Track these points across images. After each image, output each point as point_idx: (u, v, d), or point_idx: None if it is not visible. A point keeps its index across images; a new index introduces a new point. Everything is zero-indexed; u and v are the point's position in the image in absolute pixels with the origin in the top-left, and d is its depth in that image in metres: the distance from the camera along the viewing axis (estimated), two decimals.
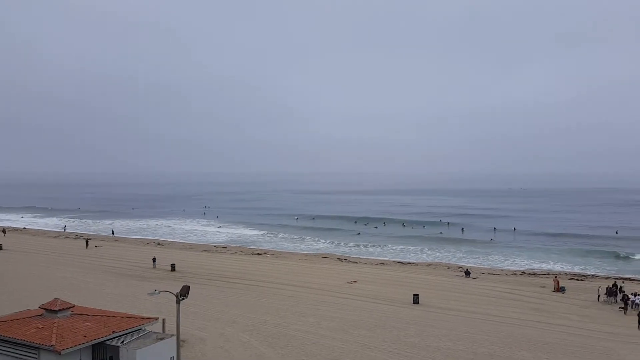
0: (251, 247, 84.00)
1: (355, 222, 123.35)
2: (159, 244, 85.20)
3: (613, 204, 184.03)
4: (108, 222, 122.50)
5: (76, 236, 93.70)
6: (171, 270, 57.83)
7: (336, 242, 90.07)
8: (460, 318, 37.25)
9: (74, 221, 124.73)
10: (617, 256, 75.57)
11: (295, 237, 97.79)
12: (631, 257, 74.76)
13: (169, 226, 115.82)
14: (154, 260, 61.53)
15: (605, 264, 69.53)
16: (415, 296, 42.54)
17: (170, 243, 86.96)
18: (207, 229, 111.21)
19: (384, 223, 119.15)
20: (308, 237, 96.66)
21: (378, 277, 55.38)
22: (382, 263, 67.67)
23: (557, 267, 67.10)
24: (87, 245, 78.19)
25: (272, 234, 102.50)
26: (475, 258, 74.04)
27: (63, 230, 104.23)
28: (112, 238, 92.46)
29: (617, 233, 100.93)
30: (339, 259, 70.77)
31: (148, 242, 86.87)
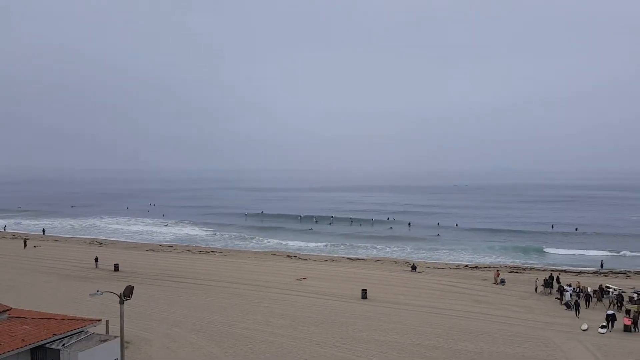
0: (198, 245, 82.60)
1: (303, 219, 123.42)
2: (101, 243, 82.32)
3: (547, 200, 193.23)
4: (46, 221, 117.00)
5: (13, 236, 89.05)
6: (114, 270, 56.01)
7: (286, 240, 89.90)
8: (407, 312, 38.12)
9: (12, 220, 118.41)
10: (552, 249, 79.59)
11: (244, 234, 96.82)
12: (564, 250, 78.92)
13: (111, 225, 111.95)
14: (96, 260, 59.38)
15: (542, 257, 73.12)
16: (364, 291, 43.17)
17: (113, 242, 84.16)
18: (153, 227, 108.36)
19: (331, 221, 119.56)
20: (257, 235, 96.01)
21: (327, 273, 55.78)
22: (332, 259, 68.22)
23: (497, 260, 69.89)
24: (25, 245, 74.42)
25: (219, 232, 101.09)
26: (422, 253, 76.01)
27: (2, 230, 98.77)
28: (52, 238, 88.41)
29: (552, 227, 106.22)
30: (288, 256, 70.76)
31: (90, 242, 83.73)
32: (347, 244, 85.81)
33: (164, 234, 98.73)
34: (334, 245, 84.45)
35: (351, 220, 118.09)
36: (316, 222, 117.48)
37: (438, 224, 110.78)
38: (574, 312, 38.51)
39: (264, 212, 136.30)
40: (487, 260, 70.03)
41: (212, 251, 74.86)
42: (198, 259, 66.57)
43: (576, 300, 39.72)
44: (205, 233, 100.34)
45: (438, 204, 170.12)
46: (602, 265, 63.24)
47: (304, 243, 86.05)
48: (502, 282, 50.27)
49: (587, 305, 41.02)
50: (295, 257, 69.80)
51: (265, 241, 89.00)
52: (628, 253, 75.21)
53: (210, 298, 42.30)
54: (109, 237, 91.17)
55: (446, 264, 65.52)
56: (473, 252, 77.45)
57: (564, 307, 40.64)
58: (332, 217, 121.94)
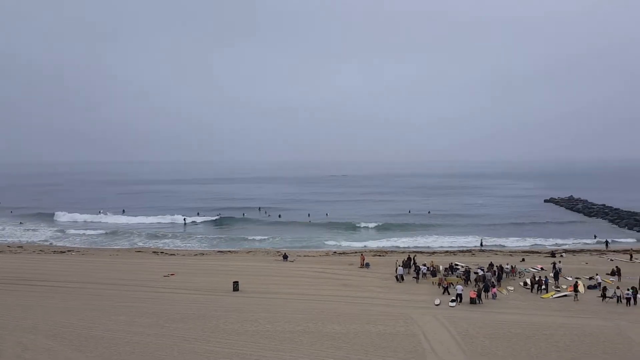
0: (52, 244, 75.56)
1: (173, 214, 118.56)
2: None
3: (410, 186, 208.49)
4: None
5: None
6: None
7: (152, 235, 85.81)
8: (279, 300, 38.73)
9: None
10: (411, 232, 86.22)
11: (103, 231, 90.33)
12: (425, 232, 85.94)
13: None
14: None
15: (402, 240, 78.71)
16: (235, 283, 42.93)
17: None
18: None
19: (198, 213, 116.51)
20: (118, 231, 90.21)
21: (197, 268, 54.49)
22: (202, 253, 66.76)
23: (364, 245, 73.88)
24: None
25: (75, 228, 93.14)
26: (293, 242, 77.60)
27: None
28: None
29: (409, 212, 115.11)
30: (154, 252, 67.77)
31: None
32: (218, 237, 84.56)
33: (13, 232, 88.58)
34: (204, 238, 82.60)
35: (219, 214, 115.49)
36: (184, 218, 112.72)
37: (309, 214, 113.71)
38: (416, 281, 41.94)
39: (125, 207, 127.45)
40: (355, 245, 73.70)
41: (69, 250, 69.03)
42: (52, 259, 60.90)
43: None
44: (57, 229, 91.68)
45: (313, 192, 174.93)
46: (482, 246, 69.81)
47: (171, 238, 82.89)
48: (367, 265, 53.21)
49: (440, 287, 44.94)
50: (162, 252, 67.10)
51: (129, 237, 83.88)
52: (470, 237, 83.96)
53: (68, 301, 39.06)
54: None
55: (316, 252, 67.63)
56: (342, 238, 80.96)
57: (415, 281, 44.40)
58: (198, 213, 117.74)
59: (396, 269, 50.03)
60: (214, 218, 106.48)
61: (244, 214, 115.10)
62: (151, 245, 76.22)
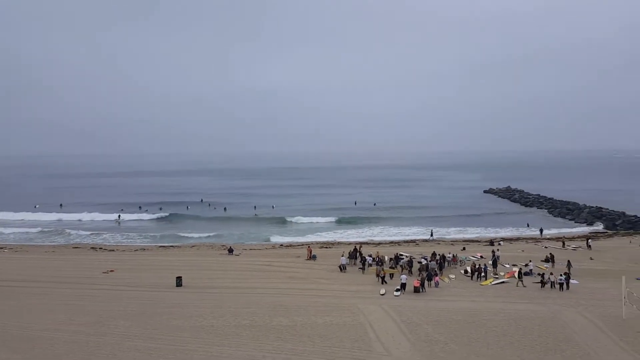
0: None
1: (106, 206, 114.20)
2: None
3: (357, 179, 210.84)
4: None
5: None
6: None
7: (90, 230, 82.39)
8: (224, 295, 38.12)
9: None
10: (358, 223, 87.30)
11: (38, 227, 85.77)
12: (370, 223, 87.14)
13: None
14: None
15: (348, 232, 79.54)
16: (179, 279, 41.87)
17: None
18: None
19: (140, 207, 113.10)
20: (54, 227, 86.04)
21: (138, 263, 52.85)
22: (143, 249, 64.77)
23: (311, 237, 74.04)
24: None
25: (7, 226, 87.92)
26: (239, 235, 76.70)
27: None
28: None
29: (355, 204, 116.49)
30: (92, 248, 65.11)
31: None
32: (160, 231, 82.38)
33: None
34: (145, 233, 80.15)
35: (160, 207, 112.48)
36: (122, 210, 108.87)
37: (255, 207, 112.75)
38: (380, 281, 42.54)
39: (61, 202, 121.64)
40: (300, 239, 73.66)
41: (1, 248, 65.16)
42: None
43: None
44: None
45: (255, 185, 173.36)
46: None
47: (111, 233, 79.82)
48: (314, 257, 53.33)
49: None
50: (100, 248, 64.56)
51: (65, 234, 79.89)
52: (414, 228, 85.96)
53: (1, 300, 36.87)
54: None
55: (262, 245, 67.17)
56: (288, 231, 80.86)
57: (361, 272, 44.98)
58: (139, 207, 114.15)
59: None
60: (155, 215, 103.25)
61: (187, 207, 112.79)
62: (89, 241, 73.22)
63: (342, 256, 49.74)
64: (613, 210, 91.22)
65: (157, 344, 26.89)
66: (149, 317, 31.81)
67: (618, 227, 79.46)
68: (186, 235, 77.31)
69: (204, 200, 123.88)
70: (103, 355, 25.48)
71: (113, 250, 63.18)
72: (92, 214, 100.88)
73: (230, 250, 58.22)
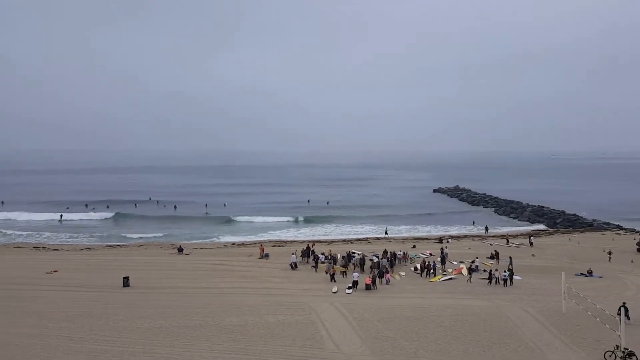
0: None
1: (47, 204, 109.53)
2: None
3: (311, 177, 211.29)
4: None
5: None
6: None
7: (33, 229, 78.79)
8: (174, 295, 37.35)
9: None
10: (311, 222, 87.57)
11: None
12: (324, 222, 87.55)
13: None
14: None
15: (302, 230, 79.68)
16: (126, 279, 40.68)
17: None
18: None
19: (86, 205, 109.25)
20: None
21: (84, 263, 51.01)
22: (89, 248, 62.60)
23: (263, 236, 73.63)
24: None
25: None
26: (189, 234, 75.37)
27: None
28: None
29: (309, 202, 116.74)
30: (35, 247, 62.33)
31: None
32: (107, 230, 79.86)
33: None
34: (91, 232, 77.43)
35: (107, 205, 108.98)
36: (67, 208, 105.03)
37: (206, 205, 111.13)
38: (330, 279, 42.78)
39: (3, 202, 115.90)
40: (252, 238, 73.16)
41: None
42: None
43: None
44: None
45: (206, 184, 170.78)
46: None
47: (54, 232, 76.68)
48: (266, 256, 53.09)
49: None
50: (43, 248, 61.89)
51: (9, 233, 76.25)
52: (366, 226, 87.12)
53: None
54: None
55: (214, 243, 66.28)
56: (241, 230, 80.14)
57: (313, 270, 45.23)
58: (86, 205, 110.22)
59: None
60: (102, 213, 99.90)
61: (136, 205, 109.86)
62: (32, 240, 70.03)
63: (293, 254, 49.81)
64: (554, 209, 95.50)
65: (104, 346, 26.03)
66: (94, 319, 30.74)
67: (558, 225, 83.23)
68: (134, 234, 75.18)
69: (152, 199, 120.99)
70: (46, 359, 24.44)
71: (57, 249, 60.70)
72: (33, 213, 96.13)
73: (180, 250, 57.09)
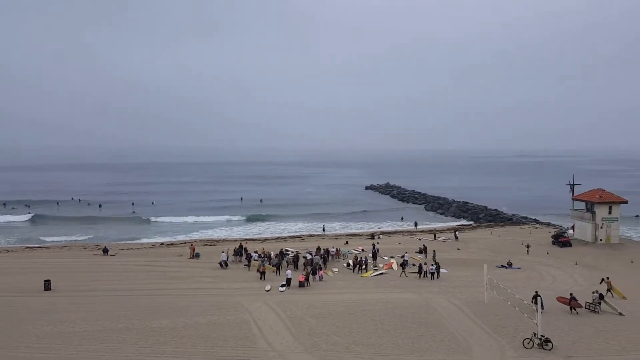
0: None
1: None
2: None
3: (244, 175, 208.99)
4: None
5: None
6: None
7: None
8: (99, 298, 35.81)
9: None
10: (244, 220, 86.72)
11: None
12: (257, 219, 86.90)
13: None
14: None
15: (234, 229, 78.68)
16: (47, 282, 38.50)
17: None
18: None
19: (4, 204, 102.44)
20: None
21: (1, 266, 47.76)
22: (7, 250, 58.78)
23: (194, 236, 71.99)
24: None
25: None
26: (116, 234, 72.44)
27: None
28: None
29: (242, 200, 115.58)
30: None
31: None
32: (27, 231, 75.15)
33: None
34: (9, 233, 72.58)
35: (28, 205, 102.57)
36: None
37: (133, 203, 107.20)
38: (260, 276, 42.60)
39: None
40: (184, 235, 71.47)
41: None
42: None
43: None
44: None
45: (133, 184, 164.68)
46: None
47: None
48: (197, 255, 52.02)
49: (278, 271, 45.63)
50: None
51: None
52: (300, 223, 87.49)
53: None
54: None
55: (141, 244, 64.09)
56: (170, 229, 78.05)
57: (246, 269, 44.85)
58: (4, 204, 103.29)
59: (227, 258, 49.85)
60: (22, 213, 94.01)
61: (58, 205, 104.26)
62: None
63: (223, 252, 49.10)
64: (477, 205, 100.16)
65: (24, 353, 24.52)
66: (13, 325, 28.86)
67: (481, 220, 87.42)
68: (56, 235, 71.13)
69: (75, 198, 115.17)
70: None
71: None
72: None
73: (105, 251, 54.74)
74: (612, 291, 35.90)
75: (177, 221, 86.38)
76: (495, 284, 34.36)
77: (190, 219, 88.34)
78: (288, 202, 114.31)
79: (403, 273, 43.53)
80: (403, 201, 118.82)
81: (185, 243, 63.12)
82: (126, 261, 50.54)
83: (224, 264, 47.08)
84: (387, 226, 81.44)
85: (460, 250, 57.10)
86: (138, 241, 67.18)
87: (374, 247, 52.39)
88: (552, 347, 24.45)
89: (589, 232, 60.84)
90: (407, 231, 74.83)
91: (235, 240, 63.71)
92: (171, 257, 52.75)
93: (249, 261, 47.29)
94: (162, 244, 63.59)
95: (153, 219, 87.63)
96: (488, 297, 33.41)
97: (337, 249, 52.24)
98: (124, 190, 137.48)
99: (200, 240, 65.89)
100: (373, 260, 48.64)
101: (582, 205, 63.77)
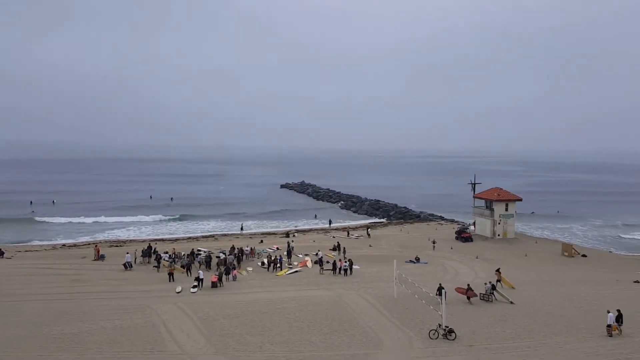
0: None
1: None
2: None
3: (156, 173, 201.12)
4: None
5: None
6: None
7: None
8: None
9: None
10: (151, 220, 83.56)
11: None
12: (169, 218, 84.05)
13: None
14: None
15: (143, 229, 75.61)
16: None
17: None
18: None
19: None
20: None
21: None
22: None
23: (99, 237, 68.39)
24: None
25: None
26: (12, 235, 67.07)
27: None
28: None
29: (151, 198, 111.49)
30: None
31: None
32: None
33: None
34: None
35: None
36: None
37: (32, 202, 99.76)
38: (169, 279, 41.19)
39: None
40: (84, 239, 67.50)
41: None
42: None
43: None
44: None
45: (34, 182, 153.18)
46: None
47: None
48: (102, 257, 49.46)
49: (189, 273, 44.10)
50: None
51: None
52: (213, 222, 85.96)
53: None
54: None
55: (41, 245, 59.91)
56: (72, 229, 73.60)
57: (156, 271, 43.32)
58: None
59: (135, 259, 47.87)
60: None
61: None
62: None
63: (128, 254, 47.00)
64: (388, 203, 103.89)
65: None
66: None
67: (392, 217, 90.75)
68: None
69: None
70: None
71: None
72: None
73: (1, 253, 50.47)
74: (501, 282, 38.69)
75: (81, 221, 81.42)
76: (404, 279, 35.81)
77: (95, 218, 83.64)
78: (201, 201, 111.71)
79: (321, 269, 44.14)
80: (318, 199, 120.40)
81: (89, 244, 59.76)
82: (24, 264, 46.96)
83: (128, 266, 45.08)
84: (302, 224, 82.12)
85: (372, 246, 58.87)
86: (38, 243, 62.62)
87: (288, 245, 52.63)
88: (455, 337, 25.93)
89: (488, 228, 65.24)
90: (322, 229, 75.96)
91: (144, 241, 61.30)
92: (74, 259, 49.69)
93: (159, 262, 45.61)
94: (64, 245, 59.78)
95: (54, 219, 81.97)
96: (397, 292, 34.74)
97: (251, 248, 51.88)
98: (20, 189, 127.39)
99: (106, 241, 62.71)
100: (288, 258, 48.85)
101: (482, 202, 68.20)
